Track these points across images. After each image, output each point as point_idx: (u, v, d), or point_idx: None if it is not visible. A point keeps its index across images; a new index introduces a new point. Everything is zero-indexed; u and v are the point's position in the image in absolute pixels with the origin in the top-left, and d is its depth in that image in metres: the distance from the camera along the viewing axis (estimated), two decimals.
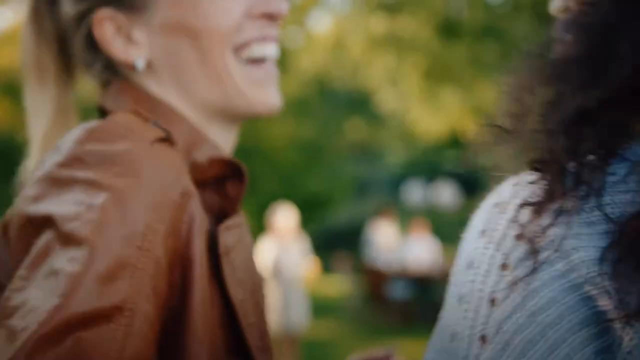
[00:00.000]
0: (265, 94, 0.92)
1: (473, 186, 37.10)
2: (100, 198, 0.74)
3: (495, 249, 0.58)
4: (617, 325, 0.52)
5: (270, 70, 0.93)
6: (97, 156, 0.77)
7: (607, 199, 0.55)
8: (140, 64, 0.89)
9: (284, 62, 17.25)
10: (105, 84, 0.94)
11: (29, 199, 0.78)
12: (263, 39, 0.90)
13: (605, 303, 0.52)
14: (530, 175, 0.60)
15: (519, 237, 0.57)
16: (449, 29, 7.64)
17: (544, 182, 0.58)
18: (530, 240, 0.56)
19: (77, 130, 0.82)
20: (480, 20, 7.69)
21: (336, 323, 10.83)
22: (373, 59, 8.49)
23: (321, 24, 14.04)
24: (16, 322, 0.68)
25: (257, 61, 0.91)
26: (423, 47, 7.74)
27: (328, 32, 11.49)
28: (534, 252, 0.56)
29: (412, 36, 7.69)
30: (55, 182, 0.78)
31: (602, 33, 0.57)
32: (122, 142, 0.79)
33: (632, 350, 0.51)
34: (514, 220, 0.58)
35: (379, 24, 8.05)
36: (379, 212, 12.52)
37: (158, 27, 0.88)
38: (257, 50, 0.90)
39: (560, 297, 0.54)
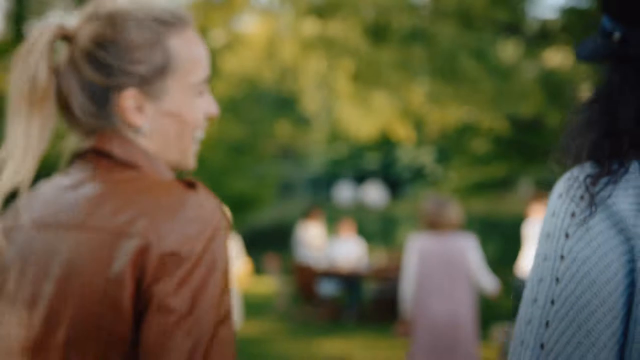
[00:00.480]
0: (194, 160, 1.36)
1: (398, 186, 37.66)
2: None
3: (568, 203, 0.97)
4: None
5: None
6: None
7: (633, 175, 0.95)
8: (145, 128, 1.23)
9: (213, 63, 17.12)
10: (94, 129, 1.23)
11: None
12: (204, 128, 1.34)
13: (631, 235, 0.91)
14: (587, 166, 1.00)
15: (582, 197, 0.96)
16: (377, 33, 7.87)
17: (598, 167, 0.97)
18: (589, 199, 0.95)
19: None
20: (407, 24, 7.94)
21: (268, 321, 10.97)
22: (304, 62, 8.66)
23: (251, 25, 14.07)
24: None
25: (198, 141, 1.34)
26: (352, 50, 7.94)
27: (258, 34, 11.58)
28: (590, 205, 0.95)
29: (342, 39, 7.89)
30: None
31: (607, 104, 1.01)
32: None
33: None
34: (580, 186, 0.97)
35: (309, 27, 8.22)
36: (307, 212, 12.66)
37: (163, 109, 1.25)
38: (200, 134, 1.33)
39: (605, 231, 0.93)
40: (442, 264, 5.20)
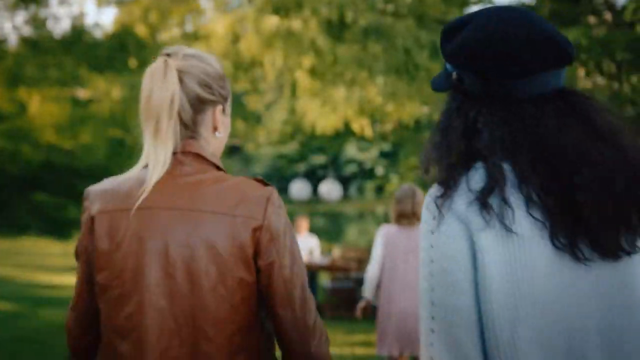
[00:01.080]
0: None
1: (347, 184, 37.83)
2: None
3: (430, 213, 1.44)
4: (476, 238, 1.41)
5: None
6: None
7: (463, 185, 1.43)
8: (220, 134, 1.82)
9: None
10: (184, 135, 1.77)
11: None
12: None
13: (470, 226, 1.39)
14: (436, 187, 1.47)
15: (436, 207, 1.42)
16: (336, 29, 8.02)
17: (442, 187, 1.44)
18: (439, 208, 1.42)
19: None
20: (365, 21, 8.12)
21: None
22: (264, 57, 8.77)
23: (211, 21, 14.03)
24: None
25: None
26: (312, 46, 8.07)
27: (218, 30, 11.59)
28: (440, 211, 1.41)
29: (301, 35, 8.00)
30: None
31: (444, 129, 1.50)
32: None
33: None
34: (433, 201, 1.44)
35: (270, 22, 8.32)
36: None
37: (226, 123, 1.87)
38: None
39: (452, 224, 1.40)
40: (407, 255, 5.29)
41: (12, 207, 20.59)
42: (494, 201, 1.37)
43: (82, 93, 21.87)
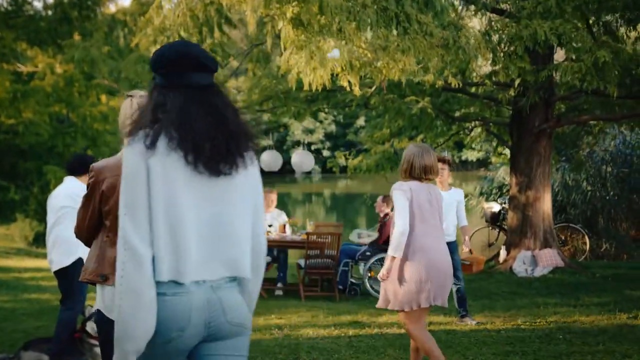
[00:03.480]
0: None
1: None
2: None
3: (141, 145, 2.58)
4: None
5: None
6: None
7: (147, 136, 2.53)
8: None
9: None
10: None
11: None
12: None
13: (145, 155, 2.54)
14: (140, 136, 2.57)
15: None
16: None
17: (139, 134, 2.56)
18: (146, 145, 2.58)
19: None
20: None
21: None
22: (244, 3, 7.94)
23: None
24: None
25: None
26: None
27: None
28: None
29: None
30: None
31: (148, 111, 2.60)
32: None
33: None
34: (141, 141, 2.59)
35: None
36: None
37: None
38: None
39: (137, 155, 2.52)
40: (433, 209, 5.25)
41: None
42: (160, 143, 2.47)
43: (23, 68, 20.53)
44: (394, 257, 5.09)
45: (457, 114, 14.22)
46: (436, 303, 5.13)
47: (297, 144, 61.41)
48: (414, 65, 7.80)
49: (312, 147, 61.60)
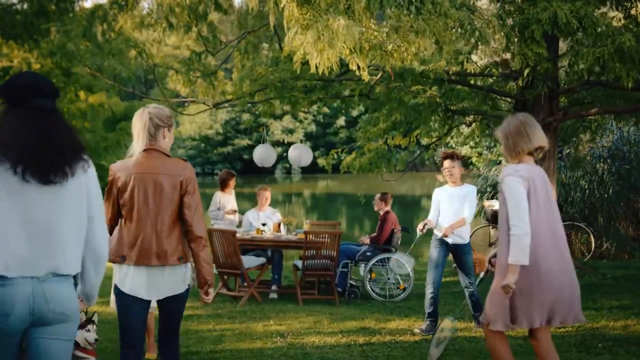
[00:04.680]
0: None
1: (275, 166, 36.48)
2: None
3: None
4: None
5: None
6: None
7: None
8: (167, 141, 4.71)
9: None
10: (151, 142, 4.50)
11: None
12: None
13: None
14: None
15: None
16: None
17: None
18: None
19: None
20: None
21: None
22: None
23: None
24: None
25: None
26: None
27: None
28: None
29: None
30: None
31: None
32: None
33: None
34: None
35: None
36: (223, 181, 11.29)
37: (171, 135, 4.63)
38: None
39: None
40: (547, 201, 4.35)
41: None
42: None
43: None
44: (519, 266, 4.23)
45: (453, 108, 13.58)
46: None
47: (277, 144, 60.68)
48: (430, 48, 7.12)
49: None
